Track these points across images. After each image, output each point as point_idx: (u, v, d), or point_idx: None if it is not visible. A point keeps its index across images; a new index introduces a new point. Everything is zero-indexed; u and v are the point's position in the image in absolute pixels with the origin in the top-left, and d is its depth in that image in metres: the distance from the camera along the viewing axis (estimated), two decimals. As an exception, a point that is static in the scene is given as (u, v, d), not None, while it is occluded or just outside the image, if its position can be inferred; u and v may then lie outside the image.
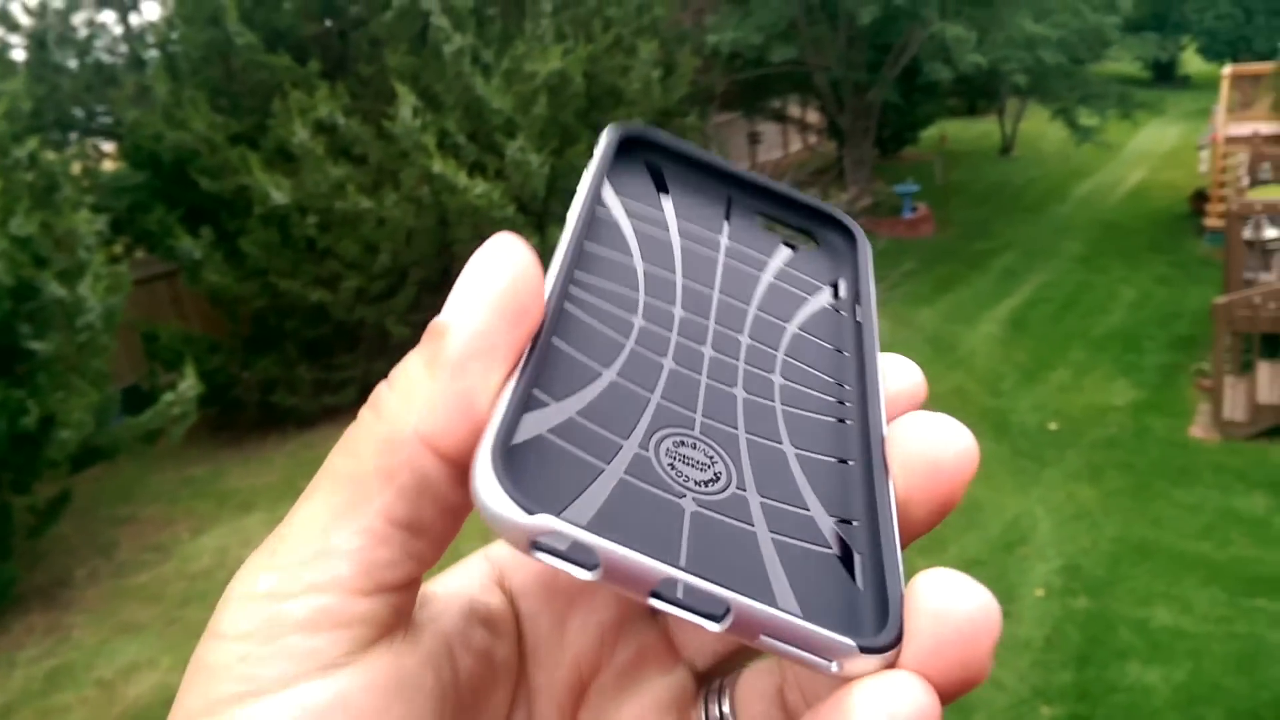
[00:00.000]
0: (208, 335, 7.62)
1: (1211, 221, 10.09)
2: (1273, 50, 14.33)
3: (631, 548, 0.21)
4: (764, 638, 0.22)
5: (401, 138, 6.96)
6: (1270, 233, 7.55)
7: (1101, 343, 8.16)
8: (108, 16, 8.37)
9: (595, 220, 0.31)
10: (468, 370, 0.24)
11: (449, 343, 0.24)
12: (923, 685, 0.21)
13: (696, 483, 0.24)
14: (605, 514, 0.22)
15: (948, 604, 0.22)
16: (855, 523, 0.26)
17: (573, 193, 0.31)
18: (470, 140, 7.68)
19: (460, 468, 0.23)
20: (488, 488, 0.21)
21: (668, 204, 0.34)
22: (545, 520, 0.20)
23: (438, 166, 6.99)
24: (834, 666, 0.22)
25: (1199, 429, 6.43)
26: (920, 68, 11.43)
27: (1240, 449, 6.14)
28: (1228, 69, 13.27)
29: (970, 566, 5.07)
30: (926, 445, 0.26)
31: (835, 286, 0.35)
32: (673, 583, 0.21)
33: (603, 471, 0.23)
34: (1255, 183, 9.19)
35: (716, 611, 0.22)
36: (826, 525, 0.25)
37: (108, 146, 8.25)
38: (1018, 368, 7.82)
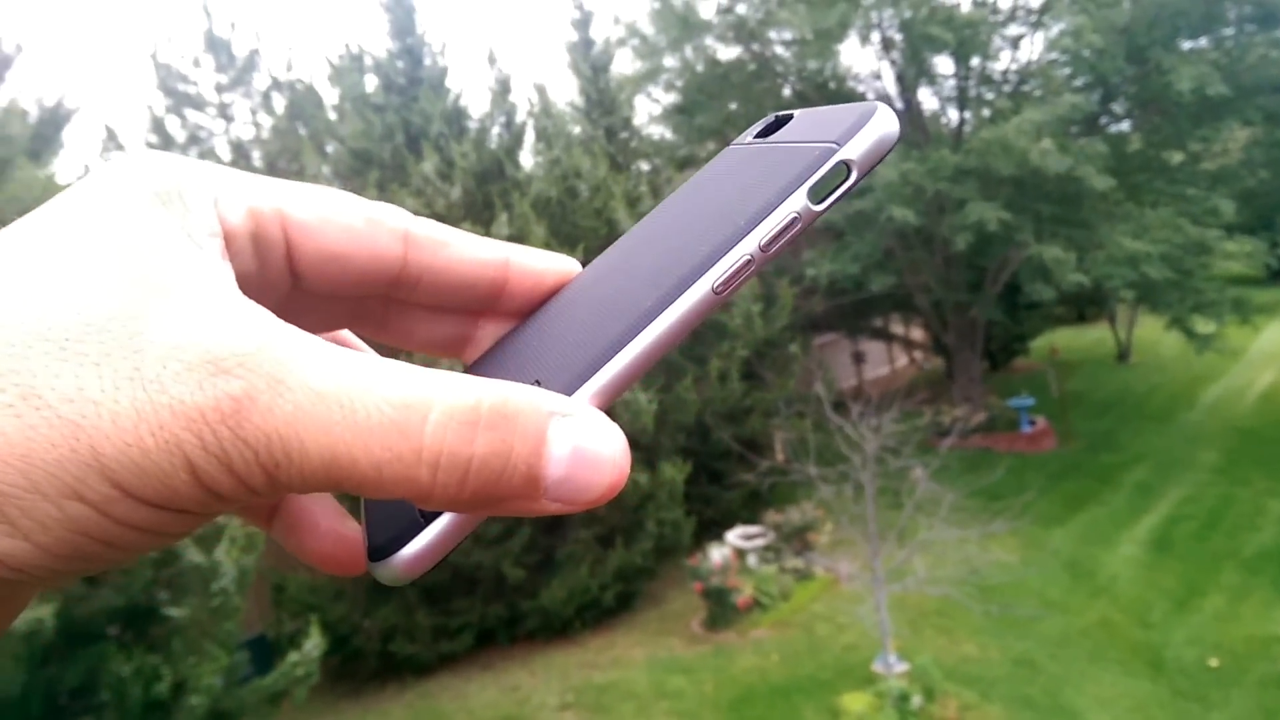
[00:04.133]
0: (331, 583, 7.80)
1: (1359, 425, 9.52)
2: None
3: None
4: None
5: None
6: None
7: (1255, 564, 7.58)
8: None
9: None
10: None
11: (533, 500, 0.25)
12: None
13: None
14: None
15: None
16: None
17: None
18: (582, 383, 7.98)
19: None
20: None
21: None
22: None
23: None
24: None
25: (1385, 664, 5.80)
26: (1022, 285, 11.50)
27: None
28: (1348, 265, 12.89)
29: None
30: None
31: None
32: None
33: None
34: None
35: None
36: None
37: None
38: (1166, 595, 7.30)
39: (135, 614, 4.80)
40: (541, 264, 0.34)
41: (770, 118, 0.35)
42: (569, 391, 0.27)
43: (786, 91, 13.44)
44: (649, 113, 14.13)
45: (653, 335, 0.28)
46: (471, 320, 0.35)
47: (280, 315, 0.29)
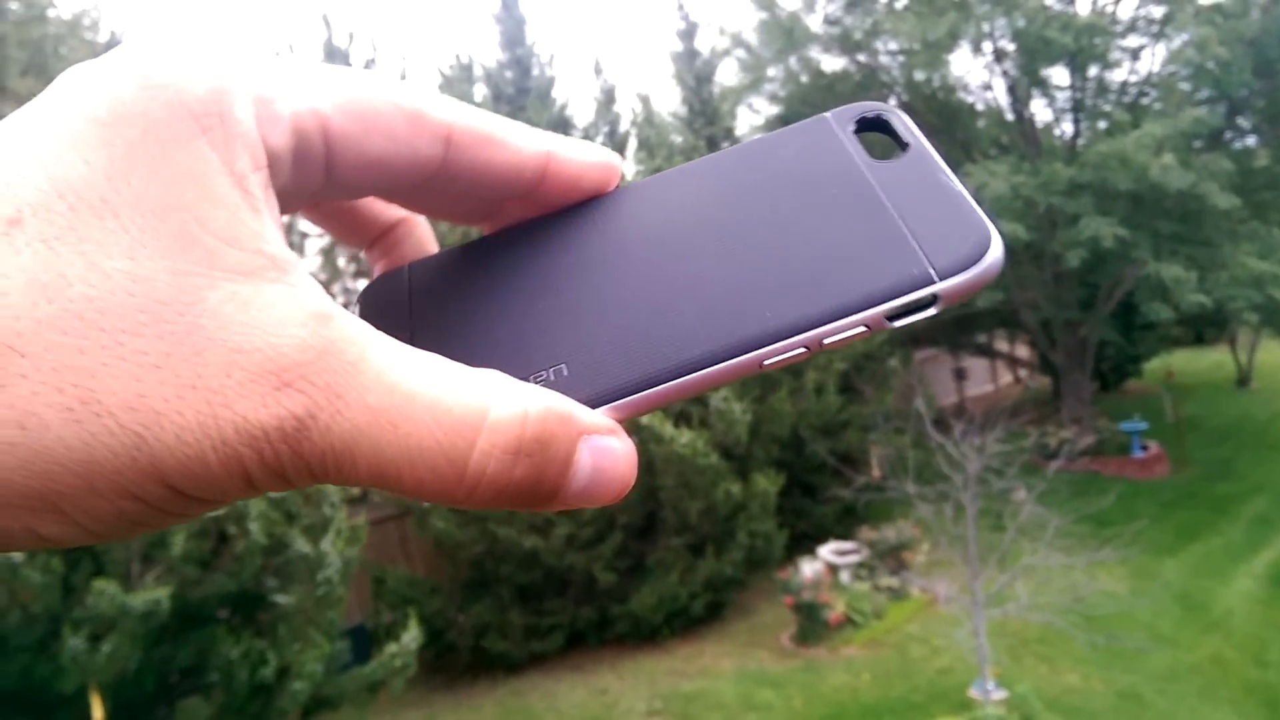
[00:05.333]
0: (429, 578, 7.99)
1: None
2: None
3: None
4: None
5: (614, 392, 7.35)
6: None
7: (1387, 606, 7.13)
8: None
9: None
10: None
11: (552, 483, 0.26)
12: None
13: None
14: None
15: None
16: None
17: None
18: (678, 392, 8.01)
19: None
20: None
21: None
22: None
23: (645, 418, 7.29)
24: None
25: None
26: (1138, 304, 11.07)
27: None
28: None
29: None
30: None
31: None
32: None
33: None
34: None
35: None
36: None
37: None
38: (1286, 634, 6.92)
39: (245, 599, 5.01)
40: (582, 163, 0.32)
41: (885, 114, 0.32)
42: (598, 400, 0.28)
43: (892, 102, 13.21)
44: (750, 123, 14.09)
45: (690, 382, 0.28)
46: (499, 201, 0.34)
47: (307, 196, 0.30)
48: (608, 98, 10.46)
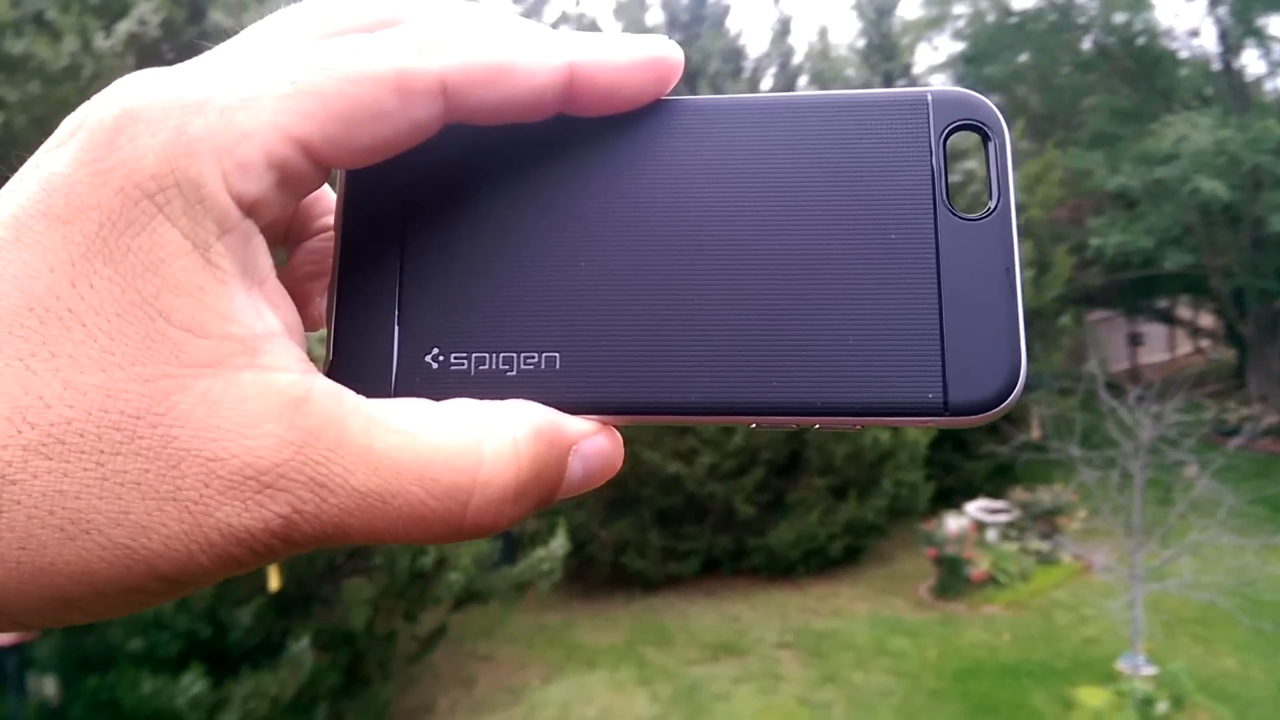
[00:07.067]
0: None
1: None
2: None
3: None
4: None
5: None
6: None
7: None
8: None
9: None
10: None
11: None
12: None
13: None
14: None
15: None
16: None
17: None
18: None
19: None
20: None
21: None
22: None
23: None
24: None
25: None
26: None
27: None
28: None
29: None
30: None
31: None
32: None
33: None
34: None
35: None
36: None
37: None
38: None
39: (410, 491, 5.31)
40: (616, 67, 0.28)
41: (990, 133, 0.29)
42: (587, 409, 0.28)
43: (1087, 44, 12.41)
44: (930, 62, 13.50)
45: (680, 419, 0.28)
46: None
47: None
48: (783, 28, 10.21)
